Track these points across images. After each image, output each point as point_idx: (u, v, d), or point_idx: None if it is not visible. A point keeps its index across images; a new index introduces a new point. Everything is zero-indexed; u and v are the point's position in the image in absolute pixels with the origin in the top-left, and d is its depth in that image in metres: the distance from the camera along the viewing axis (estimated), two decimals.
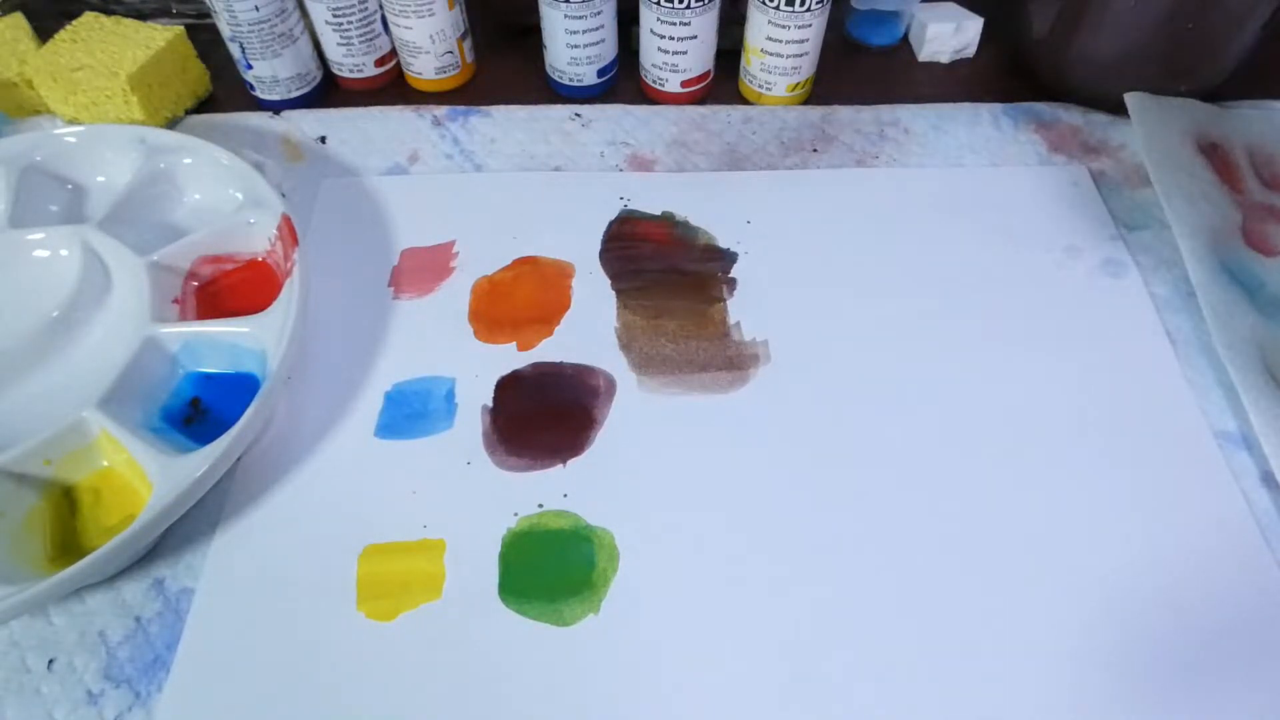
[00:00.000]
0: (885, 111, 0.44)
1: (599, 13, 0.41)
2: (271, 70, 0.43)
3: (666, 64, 0.43)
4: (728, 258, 0.38)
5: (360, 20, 0.43)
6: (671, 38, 0.41)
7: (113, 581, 0.29)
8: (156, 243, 0.35)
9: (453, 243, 0.39)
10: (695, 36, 0.42)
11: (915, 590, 0.29)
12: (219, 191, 0.38)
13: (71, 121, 0.43)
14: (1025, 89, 0.46)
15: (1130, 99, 0.41)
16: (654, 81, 0.44)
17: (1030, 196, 0.41)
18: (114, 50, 0.41)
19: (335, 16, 0.42)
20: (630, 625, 0.28)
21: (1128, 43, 0.40)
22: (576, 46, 0.42)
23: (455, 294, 0.37)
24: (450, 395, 0.34)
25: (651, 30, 0.42)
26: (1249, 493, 0.31)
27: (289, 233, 0.34)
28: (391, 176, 0.42)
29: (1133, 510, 0.31)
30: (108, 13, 0.43)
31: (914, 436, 0.33)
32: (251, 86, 0.44)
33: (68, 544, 0.29)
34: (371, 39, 0.44)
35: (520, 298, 0.37)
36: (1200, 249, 0.36)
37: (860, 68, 0.48)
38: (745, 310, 0.36)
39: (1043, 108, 0.44)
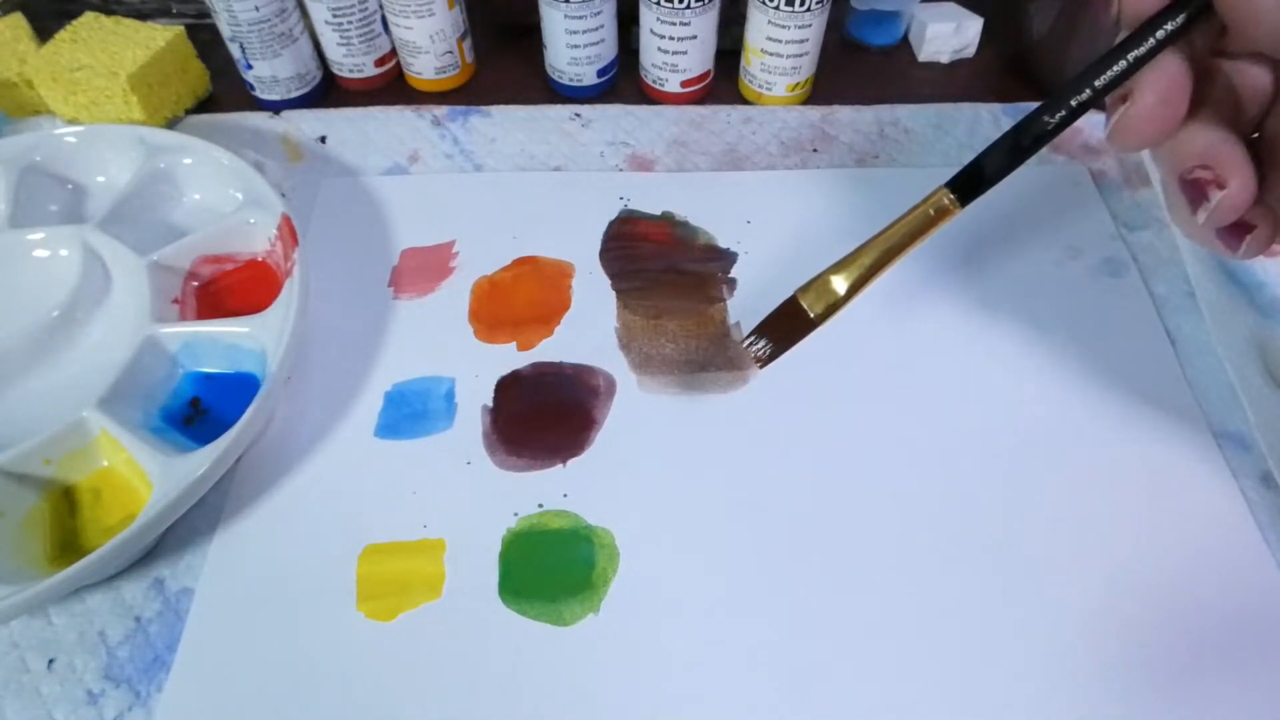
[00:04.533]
0: (885, 111, 0.44)
1: (599, 13, 0.41)
2: (271, 70, 0.43)
3: (666, 64, 0.43)
4: (728, 258, 0.38)
5: (360, 20, 0.43)
6: (671, 38, 0.41)
7: (113, 581, 0.29)
8: (156, 243, 0.35)
9: (453, 243, 0.39)
10: (695, 36, 0.42)
11: (915, 589, 0.29)
12: (219, 191, 0.38)
13: (71, 121, 0.43)
14: (1025, 89, 0.46)
15: None
16: (654, 81, 0.44)
17: (1030, 196, 0.41)
18: (114, 50, 0.41)
19: (335, 16, 0.42)
20: (630, 625, 0.28)
21: None
22: (576, 46, 0.42)
23: (455, 294, 0.37)
24: (450, 395, 0.34)
25: (651, 30, 0.42)
26: (1249, 493, 0.31)
27: (289, 233, 0.34)
28: (391, 176, 0.42)
29: (1132, 510, 0.31)
30: (108, 13, 0.43)
31: (913, 435, 0.33)
32: (251, 86, 0.44)
33: (68, 544, 0.29)
34: (371, 39, 0.44)
35: (520, 298, 0.37)
36: (1200, 249, 0.36)
37: (860, 68, 0.48)
38: (745, 310, 0.36)
39: None
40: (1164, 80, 0.21)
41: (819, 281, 0.28)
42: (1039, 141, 0.24)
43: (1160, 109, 0.21)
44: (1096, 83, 0.22)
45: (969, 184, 0.26)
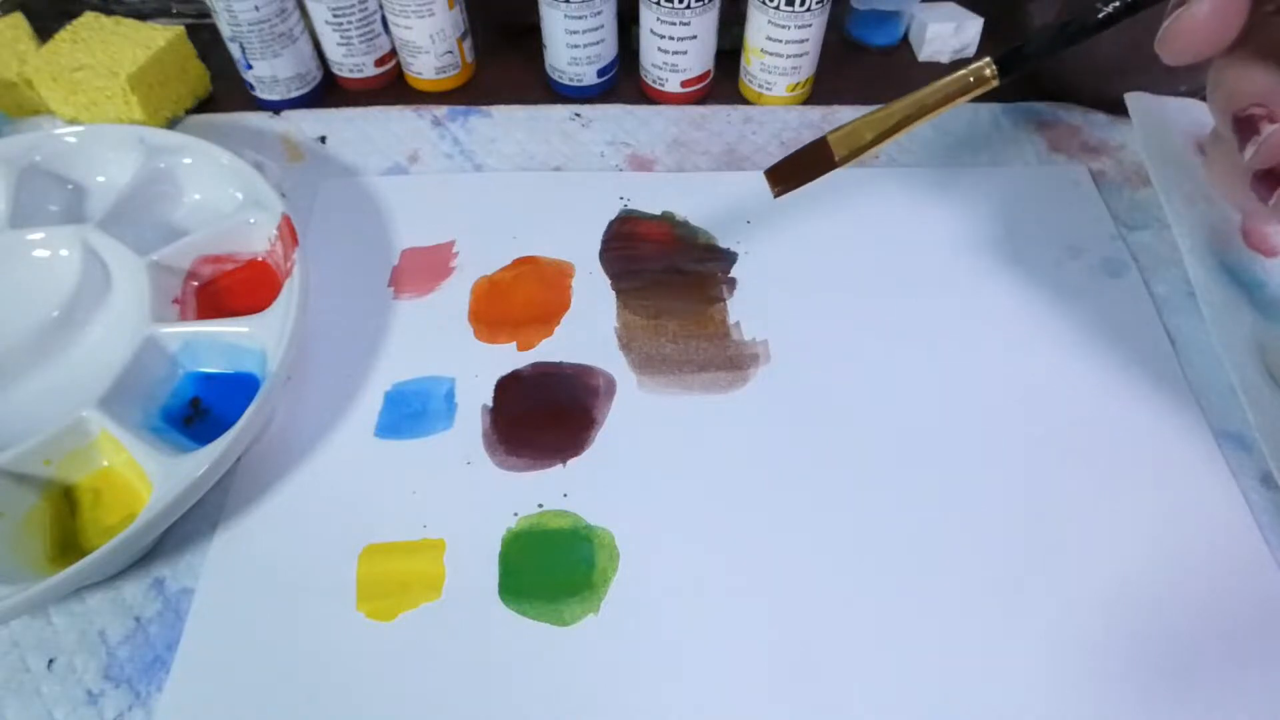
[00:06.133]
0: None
1: (599, 13, 0.41)
2: (271, 70, 0.43)
3: (666, 64, 0.43)
4: (728, 258, 0.38)
5: (360, 20, 0.43)
6: (671, 38, 0.41)
7: (113, 581, 0.29)
8: (156, 243, 0.35)
9: (453, 243, 0.39)
10: (695, 36, 0.42)
11: (914, 589, 0.29)
12: (219, 191, 0.38)
13: (71, 121, 0.43)
14: (1025, 89, 0.46)
15: (1130, 99, 0.40)
16: (654, 81, 0.44)
17: (1030, 196, 0.41)
18: (114, 50, 0.41)
19: (335, 16, 0.42)
20: (630, 625, 0.28)
21: (1127, 43, 0.40)
22: (576, 46, 0.42)
23: (455, 294, 0.37)
24: (450, 395, 0.34)
25: (651, 30, 0.42)
26: (1249, 493, 0.31)
27: (289, 233, 0.34)
28: (391, 176, 0.42)
29: (1132, 510, 0.31)
30: (108, 13, 0.43)
31: (913, 435, 0.33)
32: (251, 86, 0.44)
33: (68, 544, 0.29)
34: (371, 39, 0.44)
35: (520, 298, 0.37)
36: (1200, 249, 0.36)
37: (860, 68, 0.48)
38: (745, 310, 0.36)
39: (1043, 108, 0.44)
40: None
41: (849, 128, 0.29)
42: (1086, 30, 0.24)
43: (1213, 18, 0.22)
44: None
45: (1011, 58, 0.26)
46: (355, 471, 0.32)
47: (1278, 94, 0.22)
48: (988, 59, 0.26)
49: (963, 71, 0.27)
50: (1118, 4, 0.23)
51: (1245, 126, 0.22)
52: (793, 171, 0.30)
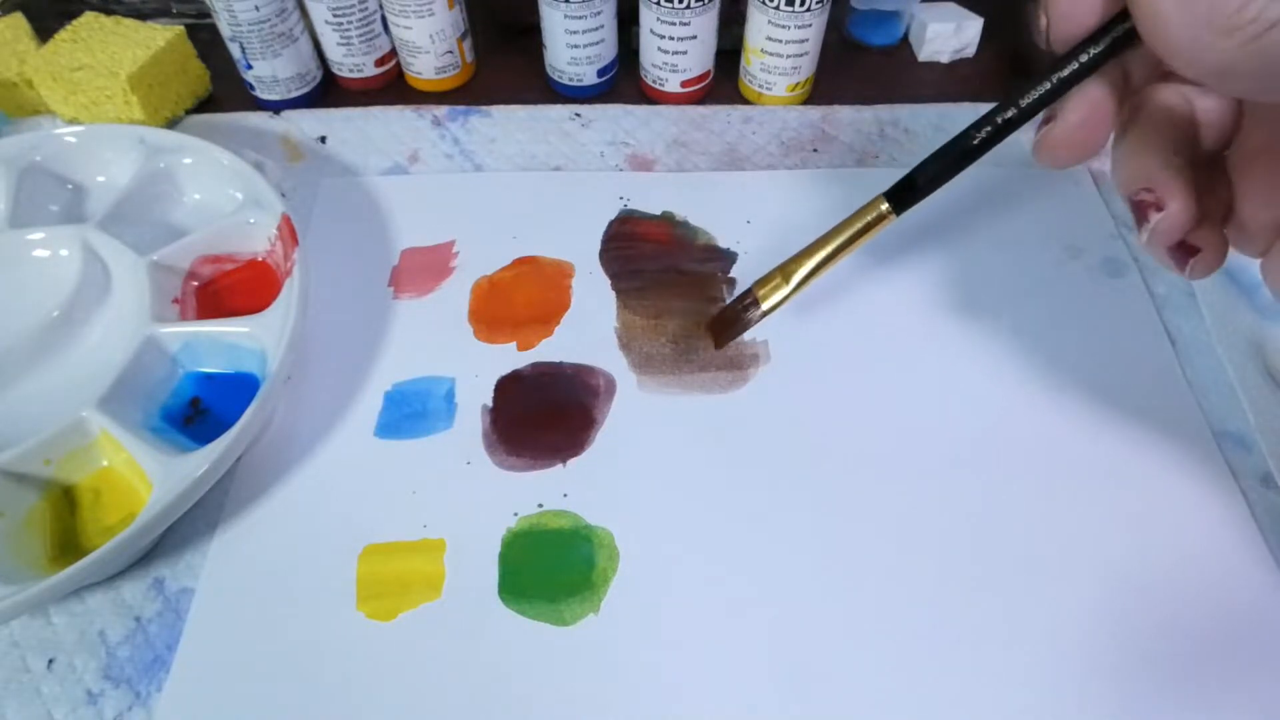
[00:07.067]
0: (885, 111, 0.44)
1: (599, 13, 0.41)
2: (271, 70, 0.43)
3: (666, 64, 0.43)
4: (728, 258, 0.38)
5: (360, 20, 0.43)
6: (671, 38, 0.41)
7: (113, 581, 0.29)
8: (156, 243, 0.35)
9: (453, 242, 0.39)
10: (695, 36, 0.42)
11: (913, 589, 0.29)
12: (219, 191, 0.38)
13: (71, 121, 0.43)
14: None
15: None
16: (654, 81, 0.44)
17: (1030, 196, 0.41)
18: (114, 50, 0.41)
19: (335, 16, 0.42)
20: (630, 625, 0.28)
21: None
22: (576, 46, 0.42)
23: (455, 294, 0.37)
24: (450, 395, 0.34)
25: (651, 30, 0.42)
26: (1249, 492, 0.31)
27: (289, 232, 0.34)
28: (391, 176, 0.42)
29: (1132, 510, 0.31)
30: (108, 13, 0.43)
31: (912, 435, 0.33)
32: (251, 86, 0.44)
33: (68, 544, 0.29)
34: (371, 39, 0.44)
35: (520, 298, 0.37)
36: None
37: (860, 68, 0.48)
38: None
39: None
40: (1085, 104, 0.23)
41: (771, 282, 0.32)
42: (967, 157, 0.26)
43: (1079, 131, 0.23)
44: (1021, 102, 0.24)
45: (903, 194, 0.28)
46: (355, 471, 0.32)
47: (1161, 177, 0.22)
48: (880, 196, 0.28)
49: (861, 211, 0.29)
50: (989, 129, 0.25)
51: (1137, 210, 0.23)
52: (730, 323, 0.33)
